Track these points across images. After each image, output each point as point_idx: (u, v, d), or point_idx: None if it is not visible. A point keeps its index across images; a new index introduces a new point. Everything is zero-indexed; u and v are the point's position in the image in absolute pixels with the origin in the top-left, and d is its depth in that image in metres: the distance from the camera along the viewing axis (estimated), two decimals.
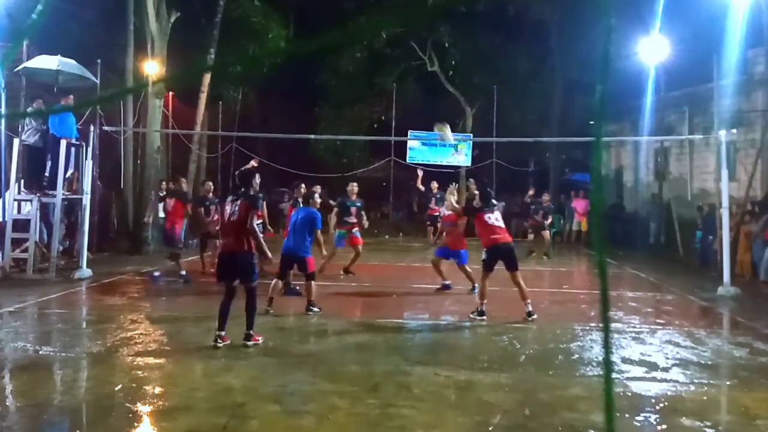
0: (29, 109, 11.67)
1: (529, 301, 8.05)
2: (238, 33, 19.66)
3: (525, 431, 4.49)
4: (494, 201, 8.72)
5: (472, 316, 8.08)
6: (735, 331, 8.17)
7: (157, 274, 11.11)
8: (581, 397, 5.14)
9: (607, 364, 1.10)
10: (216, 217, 11.52)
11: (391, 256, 14.88)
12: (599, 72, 1.08)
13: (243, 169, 8.00)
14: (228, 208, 6.74)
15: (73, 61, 12.32)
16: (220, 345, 6.46)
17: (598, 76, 1.08)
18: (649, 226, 17.62)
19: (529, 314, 7.96)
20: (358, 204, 11.74)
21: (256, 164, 10.46)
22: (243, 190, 6.87)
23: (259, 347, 6.57)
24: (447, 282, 10.11)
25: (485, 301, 8.09)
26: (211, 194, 12.14)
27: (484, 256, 8.22)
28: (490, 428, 4.48)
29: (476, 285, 9.59)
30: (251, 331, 6.64)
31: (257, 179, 7.26)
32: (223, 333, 6.53)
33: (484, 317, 8.00)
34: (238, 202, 6.70)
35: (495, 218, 8.29)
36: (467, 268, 9.85)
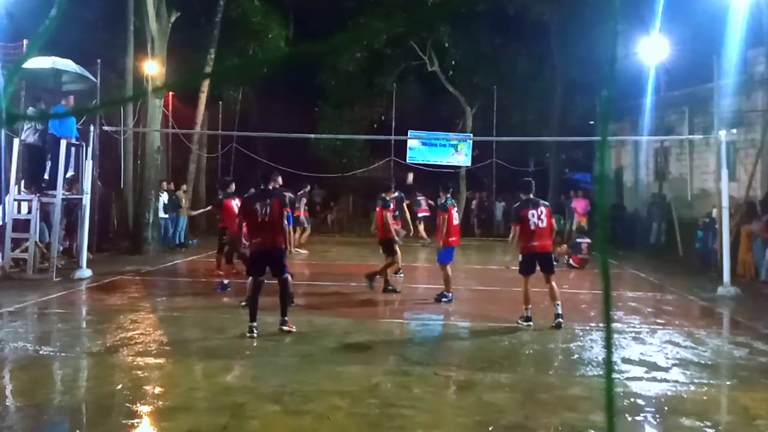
0: (29, 110, 11.63)
1: (558, 302, 7.63)
2: (238, 33, 19.70)
3: (525, 431, 4.49)
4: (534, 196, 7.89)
5: (519, 322, 7.64)
6: (735, 331, 8.17)
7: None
8: (581, 397, 5.14)
9: (609, 365, 1.11)
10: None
11: None
12: (606, 78, 1.08)
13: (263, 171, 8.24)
14: (258, 208, 6.95)
15: (69, 61, 12.27)
16: (256, 335, 6.84)
17: (606, 81, 1.08)
18: (650, 226, 17.62)
19: (557, 316, 7.56)
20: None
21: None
22: (266, 188, 7.21)
23: (260, 347, 6.58)
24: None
25: (530, 306, 7.64)
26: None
27: (519, 259, 7.81)
28: (490, 428, 4.47)
29: (447, 292, 9.25)
30: (286, 318, 7.13)
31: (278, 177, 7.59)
32: (255, 324, 6.90)
33: (530, 323, 7.59)
34: (268, 201, 6.98)
35: (538, 217, 7.65)
36: (446, 269, 9.26)
